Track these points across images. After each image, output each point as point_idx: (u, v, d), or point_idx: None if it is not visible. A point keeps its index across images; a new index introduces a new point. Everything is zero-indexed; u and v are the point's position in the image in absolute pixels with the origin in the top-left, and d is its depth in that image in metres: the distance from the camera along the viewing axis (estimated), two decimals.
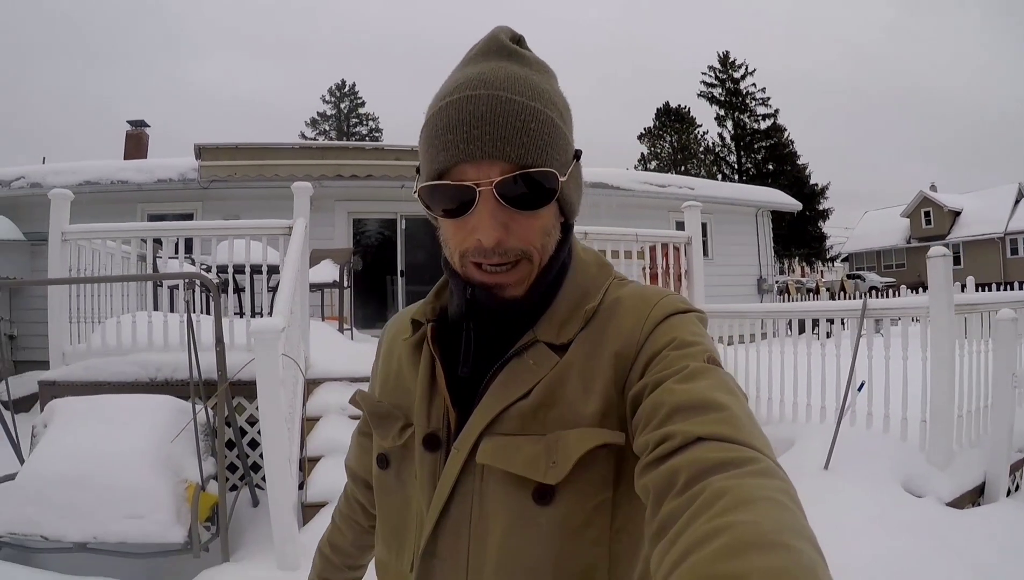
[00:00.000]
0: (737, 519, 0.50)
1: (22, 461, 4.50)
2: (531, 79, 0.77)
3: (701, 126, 42.23)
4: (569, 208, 0.82)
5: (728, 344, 6.07)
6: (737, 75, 40.14)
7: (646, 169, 40.76)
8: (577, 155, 0.82)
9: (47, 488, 3.79)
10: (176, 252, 6.29)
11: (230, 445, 4.70)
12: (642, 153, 42.80)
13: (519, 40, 0.83)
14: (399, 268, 12.47)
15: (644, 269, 6.49)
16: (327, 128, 39.90)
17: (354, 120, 40.30)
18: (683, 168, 40.44)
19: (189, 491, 3.95)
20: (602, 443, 0.72)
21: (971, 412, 4.55)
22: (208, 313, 5.93)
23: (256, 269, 5.87)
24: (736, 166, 39.72)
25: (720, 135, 40.67)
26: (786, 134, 39.09)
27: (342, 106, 40.30)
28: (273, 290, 5.58)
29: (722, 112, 40.37)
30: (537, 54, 0.83)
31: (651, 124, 42.98)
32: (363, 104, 40.66)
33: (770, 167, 38.65)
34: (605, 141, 61.59)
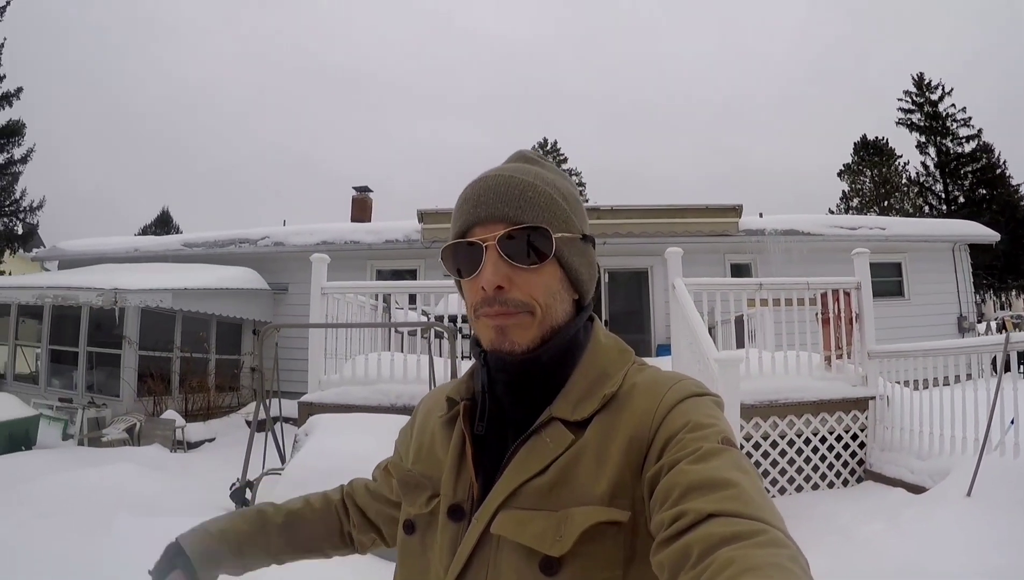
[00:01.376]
0: None
1: (282, 459, 5.82)
2: (539, 171, 0.92)
3: (901, 157, 39.71)
4: (577, 280, 0.93)
5: (904, 385, 6.32)
6: (934, 97, 37.45)
7: (848, 207, 38.93)
8: (587, 239, 0.95)
9: (310, 478, 4.94)
10: (411, 303, 7.66)
11: None
12: (843, 191, 40.58)
13: (538, 155, 0.99)
14: (603, 317, 13.43)
15: (817, 315, 6.88)
16: None
17: None
18: (886, 203, 38.17)
19: None
20: (605, 520, 0.77)
21: None
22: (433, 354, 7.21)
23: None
24: (943, 195, 36.94)
25: (923, 164, 38.00)
26: (996, 154, 35.97)
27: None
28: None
29: (923, 139, 37.71)
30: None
31: (849, 160, 41.08)
32: (565, 160, 41.71)
33: (982, 192, 35.52)
34: (805, 180, 59.21)
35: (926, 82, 38.27)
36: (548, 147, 41.96)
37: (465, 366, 6.32)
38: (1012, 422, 4.69)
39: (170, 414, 10.21)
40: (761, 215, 14.52)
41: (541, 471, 0.82)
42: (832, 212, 38.92)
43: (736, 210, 13.26)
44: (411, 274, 13.93)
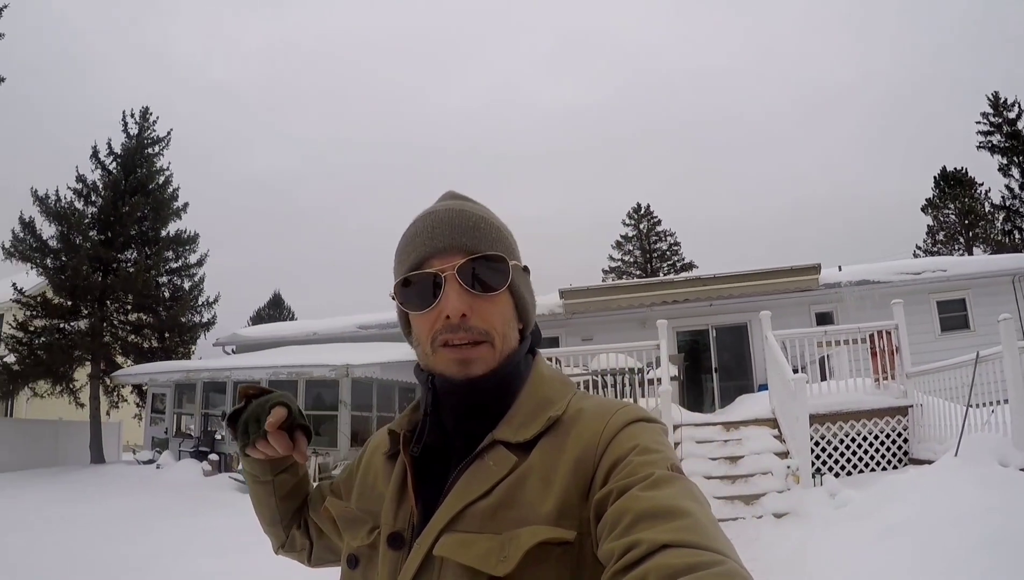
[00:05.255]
0: None
1: None
2: (479, 206, 0.98)
3: (983, 185, 39.15)
4: (524, 309, 0.95)
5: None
6: (1011, 115, 36.44)
7: (935, 241, 38.73)
8: (527, 270, 0.99)
9: None
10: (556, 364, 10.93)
11: None
12: (928, 225, 39.77)
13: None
14: (713, 366, 16.59)
15: (869, 349, 9.73)
16: (631, 248, 42.14)
17: (654, 238, 42.27)
18: (971, 233, 37.79)
19: None
20: (551, 539, 0.77)
21: None
22: None
23: (622, 371, 10.24)
24: None
25: (1007, 186, 37.27)
26: None
27: (641, 227, 42.40)
28: (640, 384, 9.88)
29: (1004, 160, 36.96)
30: None
31: (931, 194, 40.67)
32: (659, 222, 42.44)
33: None
34: (886, 220, 58.39)
35: (1002, 101, 37.57)
36: (642, 211, 42.78)
37: None
38: (992, 411, 7.28)
39: None
40: (840, 268, 17.03)
41: (484, 494, 0.82)
42: (919, 247, 38.46)
43: (815, 268, 15.95)
44: (554, 341, 16.93)
